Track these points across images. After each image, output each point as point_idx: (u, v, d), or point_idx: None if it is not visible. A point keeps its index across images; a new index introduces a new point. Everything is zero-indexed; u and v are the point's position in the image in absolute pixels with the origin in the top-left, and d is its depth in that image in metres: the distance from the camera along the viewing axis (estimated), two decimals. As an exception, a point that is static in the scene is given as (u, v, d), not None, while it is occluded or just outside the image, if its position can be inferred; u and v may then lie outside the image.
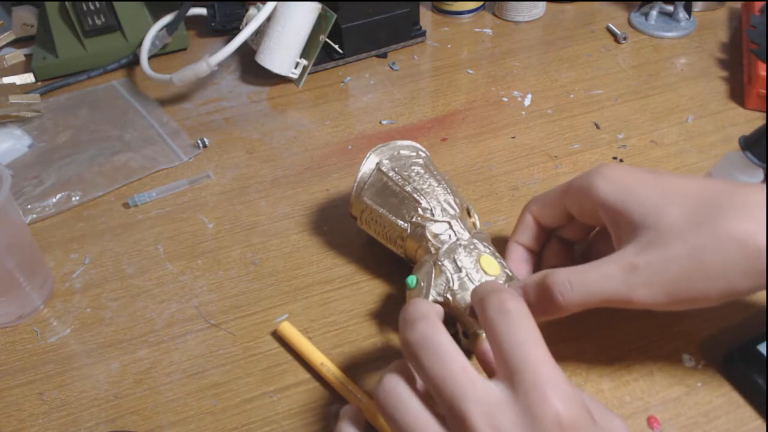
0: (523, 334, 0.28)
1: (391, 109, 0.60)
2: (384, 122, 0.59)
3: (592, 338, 0.39)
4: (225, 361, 0.40)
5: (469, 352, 0.39)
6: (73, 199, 0.52)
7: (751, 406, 0.35)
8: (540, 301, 0.34)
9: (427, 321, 0.29)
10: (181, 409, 0.38)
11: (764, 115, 0.56)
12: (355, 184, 0.43)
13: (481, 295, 0.30)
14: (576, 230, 0.40)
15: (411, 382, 0.29)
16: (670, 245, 0.31)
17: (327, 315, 0.42)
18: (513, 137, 0.56)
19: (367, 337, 0.41)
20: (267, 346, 0.41)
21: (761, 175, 0.41)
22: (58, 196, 0.52)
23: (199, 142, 0.57)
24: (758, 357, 0.36)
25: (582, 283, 0.33)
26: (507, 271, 0.38)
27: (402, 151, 0.43)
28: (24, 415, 0.38)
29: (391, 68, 0.66)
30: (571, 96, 0.60)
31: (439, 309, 0.31)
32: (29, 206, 0.51)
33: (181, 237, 0.49)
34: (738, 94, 0.58)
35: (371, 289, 0.44)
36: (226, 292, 0.44)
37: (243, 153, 0.56)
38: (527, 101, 0.60)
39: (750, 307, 0.40)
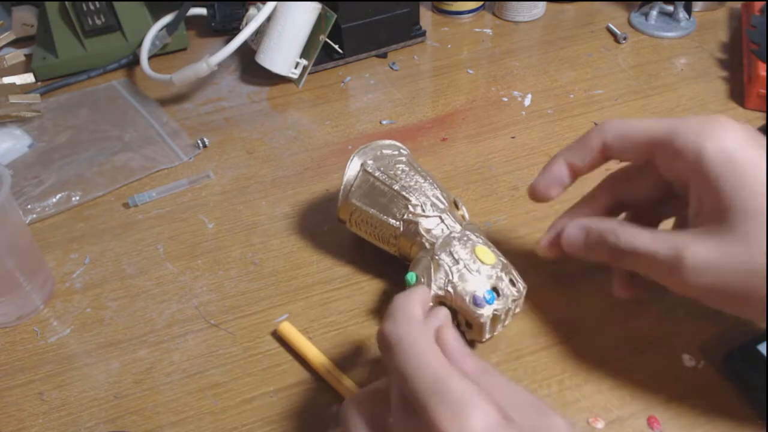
0: (408, 366, 0.26)
1: (391, 109, 0.60)
2: (384, 122, 0.59)
3: (592, 338, 0.39)
4: (225, 361, 0.40)
5: (473, 343, 0.39)
6: (73, 199, 0.52)
7: (751, 406, 0.35)
8: (595, 247, 0.34)
9: (405, 321, 0.29)
10: (181, 409, 0.38)
11: (764, 115, 0.56)
12: (342, 187, 0.43)
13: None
14: (643, 184, 0.36)
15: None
16: (735, 254, 0.29)
17: (327, 315, 0.42)
18: (513, 137, 0.56)
19: (367, 337, 0.41)
20: (267, 346, 0.41)
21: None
22: (58, 196, 0.52)
23: (199, 142, 0.57)
24: (758, 357, 0.36)
25: (633, 248, 0.32)
26: (502, 259, 0.39)
27: (384, 151, 0.44)
28: (24, 415, 0.38)
29: (391, 68, 0.66)
30: (571, 96, 0.60)
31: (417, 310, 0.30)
32: (29, 206, 0.51)
33: (181, 237, 0.49)
34: (738, 94, 0.58)
35: (371, 289, 0.44)
36: (226, 292, 0.44)
37: (243, 153, 0.56)
38: (527, 101, 0.60)
39: (750, 307, 0.40)
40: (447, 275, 0.37)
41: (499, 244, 0.46)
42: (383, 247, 0.43)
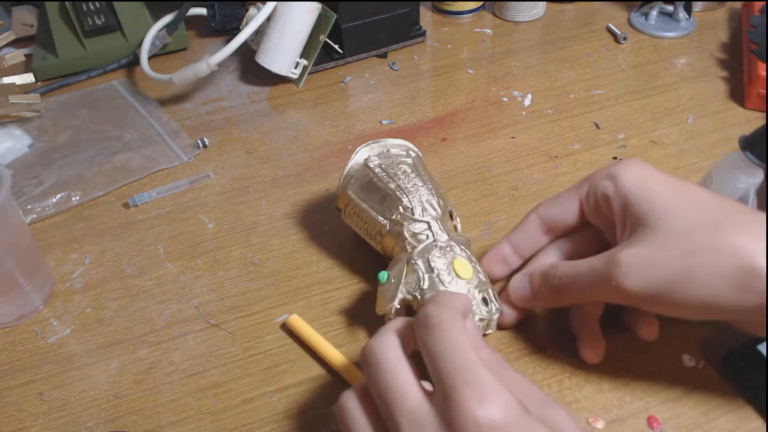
0: (442, 346, 0.28)
1: (391, 109, 0.60)
2: (384, 122, 0.59)
3: (592, 338, 0.39)
4: (225, 361, 0.40)
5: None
6: (73, 199, 0.52)
7: (751, 406, 0.35)
8: (540, 288, 0.37)
9: (381, 335, 0.30)
10: (181, 409, 0.38)
11: (764, 115, 0.56)
12: (342, 176, 0.43)
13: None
14: (580, 240, 0.40)
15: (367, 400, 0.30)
16: (664, 246, 0.32)
17: (327, 315, 0.42)
18: (513, 137, 0.56)
19: (367, 337, 0.41)
20: (267, 346, 0.41)
21: (761, 175, 0.41)
22: (58, 196, 0.52)
23: (199, 142, 0.57)
24: (758, 357, 0.36)
25: (573, 273, 0.35)
26: (481, 276, 0.38)
27: (392, 149, 0.44)
28: (24, 415, 0.38)
29: (391, 68, 0.66)
30: (571, 96, 0.60)
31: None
32: (29, 206, 0.51)
33: (181, 237, 0.49)
34: (738, 94, 0.58)
35: (371, 289, 0.44)
36: (226, 292, 0.44)
37: (243, 153, 0.56)
38: (527, 101, 0.60)
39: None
40: (419, 281, 0.37)
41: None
42: (371, 242, 0.43)
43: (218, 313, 0.43)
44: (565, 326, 0.40)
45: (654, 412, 0.36)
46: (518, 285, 0.39)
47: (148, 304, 0.44)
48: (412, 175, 0.42)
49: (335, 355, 0.39)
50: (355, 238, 0.46)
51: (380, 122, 0.59)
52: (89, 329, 0.43)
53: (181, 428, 0.37)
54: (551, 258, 0.40)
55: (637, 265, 0.32)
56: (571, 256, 0.39)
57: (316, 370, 0.39)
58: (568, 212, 0.39)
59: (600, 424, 0.35)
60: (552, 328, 0.40)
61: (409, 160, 0.43)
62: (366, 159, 0.43)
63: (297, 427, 0.36)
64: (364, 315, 0.42)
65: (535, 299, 0.38)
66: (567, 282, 0.36)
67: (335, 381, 0.38)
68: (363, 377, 0.36)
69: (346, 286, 0.44)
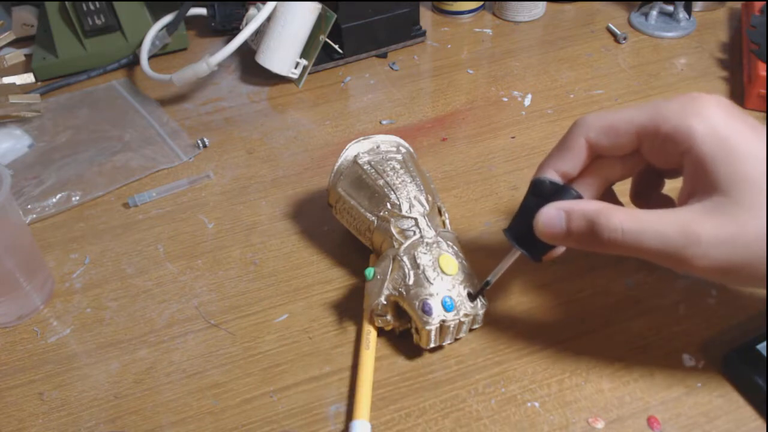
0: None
1: (391, 109, 0.60)
2: (384, 122, 0.59)
3: (592, 338, 0.39)
4: (225, 361, 0.40)
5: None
6: (73, 199, 0.52)
7: (751, 406, 0.35)
8: (584, 234, 0.32)
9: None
10: (181, 409, 0.38)
11: (764, 115, 0.56)
12: (332, 173, 0.43)
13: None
14: (631, 165, 0.35)
15: None
16: (747, 224, 0.29)
17: (327, 315, 0.42)
18: (513, 137, 0.56)
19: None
20: (267, 346, 0.41)
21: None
22: (58, 196, 0.52)
23: (199, 142, 0.57)
24: (758, 357, 0.36)
25: (636, 235, 0.30)
26: (467, 271, 0.38)
27: (382, 146, 0.44)
28: (24, 415, 0.38)
29: (391, 68, 0.66)
30: (571, 96, 0.60)
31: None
32: (29, 206, 0.51)
33: (181, 237, 0.49)
34: (738, 94, 0.58)
35: (371, 289, 0.44)
36: (226, 292, 0.44)
37: (243, 153, 0.56)
38: (527, 101, 0.60)
39: (750, 307, 0.40)
40: (404, 277, 0.37)
41: (498, 244, 0.46)
42: (360, 239, 0.43)
43: (218, 313, 0.43)
44: (565, 326, 0.40)
45: (654, 412, 0.36)
46: (551, 220, 0.33)
47: (148, 304, 0.44)
48: (401, 172, 0.42)
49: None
50: (354, 237, 0.46)
51: (380, 122, 0.59)
52: (89, 329, 0.43)
53: (181, 428, 0.37)
54: (593, 188, 0.35)
55: (718, 244, 0.29)
56: (613, 181, 0.35)
57: (316, 370, 0.39)
58: (623, 140, 0.33)
59: (600, 424, 0.35)
60: (552, 328, 0.40)
61: (399, 156, 0.43)
62: (356, 155, 0.43)
63: (297, 427, 0.36)
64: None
65: (568, 240, 0.33)
66: (621, 239, 0.31)
67: (335, 381, 0.38)
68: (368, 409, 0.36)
69: (346, 286, 0.44)
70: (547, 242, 0.34)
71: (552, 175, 0.35)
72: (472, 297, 0.37)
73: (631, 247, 0.31)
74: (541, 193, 0.35)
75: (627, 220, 0.30)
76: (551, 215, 0.33)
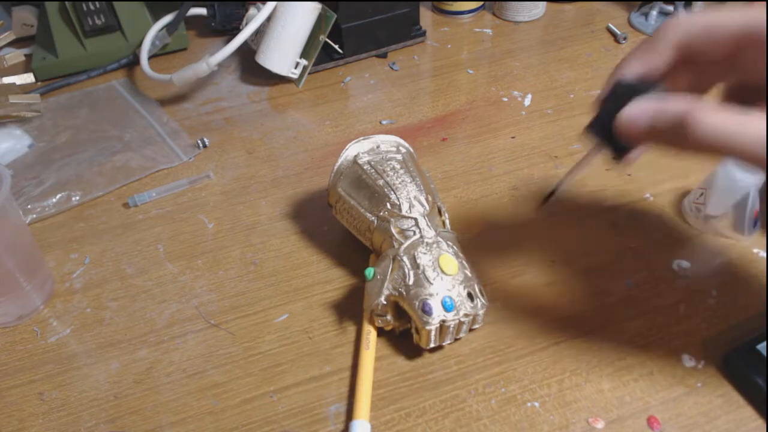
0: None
1: (391, 109, 0.60)
2: (384, 122, 0.59)
3: (592, 338, 0.39)
4: (225, 361, 0.40)
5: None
6: (73, 199, 0.52)
7: (751, 406, 0.35)
8: (665, 130, 0.29)
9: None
10: (181, 409, 0.38)
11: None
12: (333, 173, 0.43)
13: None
14: (721, 74, 0.32)
15: None
16: None
17: (327, 315, 0.42)
18: (513, 137, 0.56)
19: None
20: (267, 346, 0.41)
21: (762, 175, 0.41)
22: (58, 196, 0.52)
23: (199, 142, 0.57)
24: (758, 357, 0.36)
25: (731, 137, 0.27)
26: (467, 272, 0.38)
27: (382, 146, 0.44)
28: (24, 415, 0.38)
29: (391, 68, 0.66)
30: (571, 96, 0.60)
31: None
32: (29, 206, 0.51)
33: (181, 237, 0.49)
34: (738, 94, 0.58)
35: (371, 289, 0.44)
36: (226, 292, 0.44)
37: (243, 153, 0.56)
38: (527, 101, 0.60)
39: (750, 307, 0.40)
40: (404, 277, 0.37)
41: (498, 244, 0.46)
42: (360, 239, 0.43)
43: (218, 313, 0.43)
44: (565, 326, 0.40)
45: (654, 412, 0.36)
46: (637, 115, 0.30)
47: (148, 304, 0.44)
48: (401, 172, 0.42)
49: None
50: (354, 237, 0.46)
51: (380, 122, 0.59)
52: (89, 329, 0.43)
53: (181, 428, 0.37)
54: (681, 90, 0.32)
55: None
56: (698, 93, 0.33)
57: (316, 370, 0.39)
58: (719, 43, 0.30)
59: (600, 424, 0.35)
60: (552, 328, 0.40)
61: (399, 156, 0.43)
62: (356, 155, 0.43)
63: (297, 427, 0.36)
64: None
65: (650, 138, 0.30)
66: (714, 140, 0.27)
67: (335, 381, 0.38)
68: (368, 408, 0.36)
69: (346, 286, 0.44)
70: (628, 141, 0.31)
71: (634, 72, 0.32)
72: (545, 199, 0.37)
73: (724, 148, 0.27)
74: (623, 91, 0.32)
75: (723, 122, 0.27)
76: (637, 111, 0.30)
